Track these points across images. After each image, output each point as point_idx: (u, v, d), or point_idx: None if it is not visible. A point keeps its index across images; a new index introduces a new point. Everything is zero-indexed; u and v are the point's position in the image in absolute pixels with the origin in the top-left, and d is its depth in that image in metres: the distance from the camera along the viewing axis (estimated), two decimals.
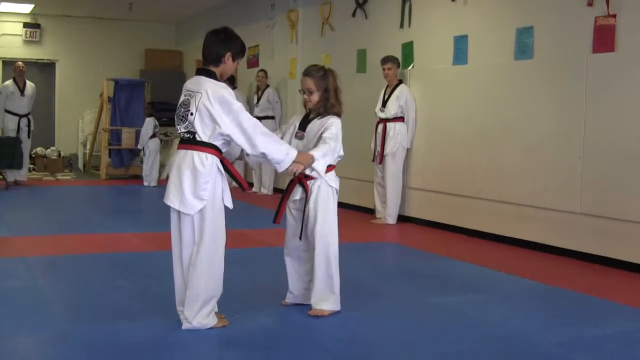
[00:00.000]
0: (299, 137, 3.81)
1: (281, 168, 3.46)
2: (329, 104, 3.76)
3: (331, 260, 3.75)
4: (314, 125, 3.78)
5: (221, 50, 3.47)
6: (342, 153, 3.79)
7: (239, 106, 3.39)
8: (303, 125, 3.82)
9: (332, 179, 3.79)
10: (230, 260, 3.70)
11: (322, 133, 3.70)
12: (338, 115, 3.80)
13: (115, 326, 3.54)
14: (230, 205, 3.50)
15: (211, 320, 3.49)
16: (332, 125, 3.71)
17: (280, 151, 3.43)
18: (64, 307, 3.94)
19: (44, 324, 3.61)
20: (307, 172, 3.65)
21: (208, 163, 3.37)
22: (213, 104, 3.35)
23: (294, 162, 3.46)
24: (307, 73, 3.81)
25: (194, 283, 3.43)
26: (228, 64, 3.49)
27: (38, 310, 3.87)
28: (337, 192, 3.83)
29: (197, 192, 3.36)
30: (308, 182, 3.74)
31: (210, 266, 3.45)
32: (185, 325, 3.47)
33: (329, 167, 3.76)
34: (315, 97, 3.76)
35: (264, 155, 3.42)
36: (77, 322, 3.62)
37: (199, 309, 3.45)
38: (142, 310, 3.84)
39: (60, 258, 5.26)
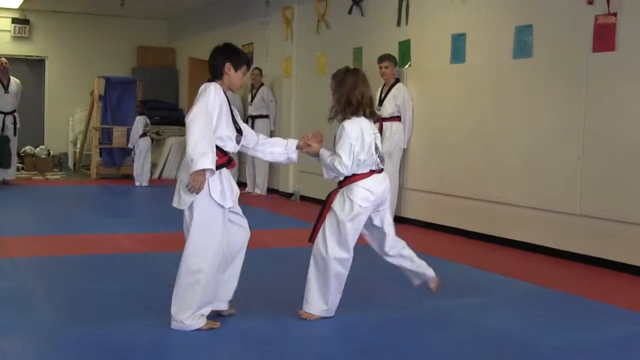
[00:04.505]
0: None
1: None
2: (339, 108, 3.69)
3: (327, 267, 3.65)
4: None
5: (220, 62, 3.51)
6: (362, 157, 3.62)
7: (200, 107, 3.34)
8: None
9: (355, 192, 3.62)
10: None
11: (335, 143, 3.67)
12: (351, 116, 3.67)
13: (106, 328, 3.49)
14: (221, 201, 3.42)
15: (200, 322, 3.44)
16: (341, 137, 3.62)
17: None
18: (53, 309, 3.87)
19: (33, 325, 3.55)
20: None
21: None
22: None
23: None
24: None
25: (179, 282, 3.42)
26: (231, 75, 3.51)
27: (26, 311, 3.80)
28: (356, 206, 3.61)
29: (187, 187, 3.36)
30: (340, 190, 3.69)
31: (198, 268, 3.39)
32: (174, 325, 3.43)
33: (354, 177, 3.63)
34: (337, 98, 3.71)
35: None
36: (67, 324, 3.57)
37: (190, 312, 3.40)
38: (133, 313, 3.77)
39: (50, 259, 5.18)
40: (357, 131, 3.59)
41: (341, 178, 3.67)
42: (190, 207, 3.40)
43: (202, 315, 3.46)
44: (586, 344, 3.51)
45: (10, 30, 13.28)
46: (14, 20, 13.27)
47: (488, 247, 6.12)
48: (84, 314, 3.76)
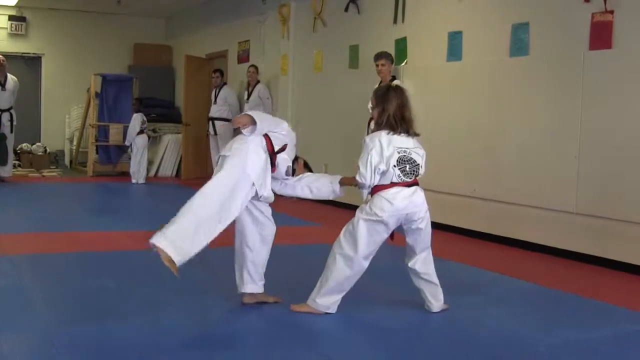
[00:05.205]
0: None
1: None
2: (380, 122, 3.74)
3: (332, 260, 3.72)
4: None
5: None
6: (382, 167, 3.64)
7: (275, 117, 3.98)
8: None
9: (374, 202, 3.65)
10: (225, 259, 3.62)
11: None
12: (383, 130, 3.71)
13: (103, 326, 3.48)
14: (250, 170, 3.55)
15: (175, 253, 3.31)
16: (363, 148, 3.69)
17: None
18: (49, 307, 3.87)
19: (29, 323, 3.54)
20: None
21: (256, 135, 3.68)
22: None
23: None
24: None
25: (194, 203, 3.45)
26: (300, 167, 3.99)
27: (23, 309, 3.79)
28: (373, 213, 3.62)
29: None
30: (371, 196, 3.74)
31: (194, 202, 3.43)
32: (154, 239, 3.32)
33: (376, 188, 3.67)
34: (374, 114, 3.80)
35: None
36: (64, 322, 3.56)
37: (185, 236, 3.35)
38: (130, 311, 3.77)
39: (46, 256, 5.17)
40: (376, 144, 3.65)
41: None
42: (230, 154, 3.57)
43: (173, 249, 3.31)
44: (583, 342, 3.51)
45: (6, 28, 13.23)
46: (11, 18, 13.22)
47: (485, 245, 6.12)
48: (81, 311, 3.76)
